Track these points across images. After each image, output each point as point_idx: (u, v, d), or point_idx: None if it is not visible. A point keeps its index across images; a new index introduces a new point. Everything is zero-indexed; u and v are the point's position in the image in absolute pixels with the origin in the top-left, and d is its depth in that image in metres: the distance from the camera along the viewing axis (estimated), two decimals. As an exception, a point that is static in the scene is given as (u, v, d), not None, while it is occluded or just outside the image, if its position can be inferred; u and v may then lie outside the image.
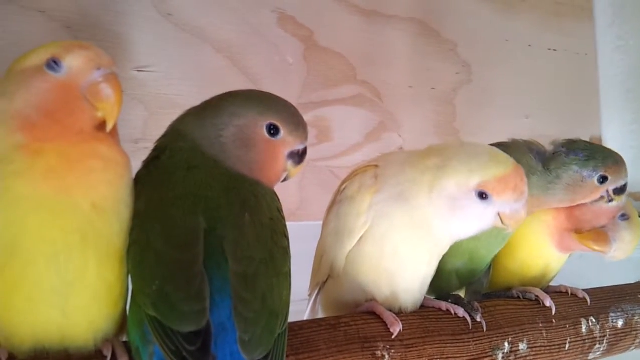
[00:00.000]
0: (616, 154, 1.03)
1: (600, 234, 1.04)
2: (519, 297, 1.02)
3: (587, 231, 1.04)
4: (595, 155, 1.01)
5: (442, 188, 0.80)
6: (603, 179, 1.00)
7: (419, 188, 0.82)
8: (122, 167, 0.67)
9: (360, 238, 0.85)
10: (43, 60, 0.65)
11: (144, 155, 0.75)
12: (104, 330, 0.65)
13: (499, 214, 0.81)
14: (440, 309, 0.89)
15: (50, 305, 0.61)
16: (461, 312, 0.88)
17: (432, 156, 0.83)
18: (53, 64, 0.65)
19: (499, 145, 0.99)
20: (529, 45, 1.85)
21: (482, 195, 0.79)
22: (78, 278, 0.62)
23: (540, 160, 1.02)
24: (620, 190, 1.02)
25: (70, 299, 0.62)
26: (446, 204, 0.80)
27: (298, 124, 0.76)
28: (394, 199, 0.83)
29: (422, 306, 0.90)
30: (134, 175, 0.71)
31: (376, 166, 0.88)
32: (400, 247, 0.84)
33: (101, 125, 0.67)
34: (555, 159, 1.02)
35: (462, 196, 0.80)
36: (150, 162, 0.74)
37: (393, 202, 0.83)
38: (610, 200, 1.02)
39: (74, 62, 0.65)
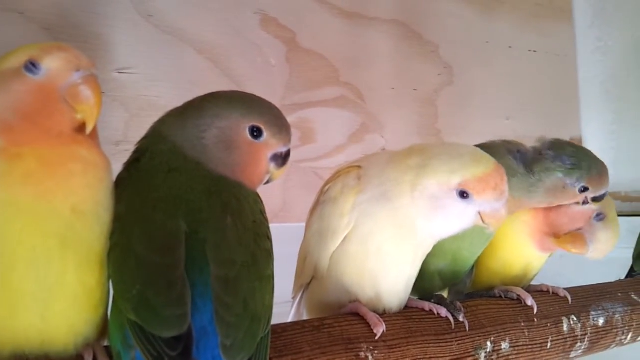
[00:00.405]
0: (601, 163, 1.03)
1: (577, 237, 1.05)
2: (501, 297, 1.02)
3: (564, 234, 1.05)
4: (581, 164, 1.00)
5: (423, 187, 0.81)
6: (584, 189, 1.00)
7: (401, 188, 0.82)
8: (102, 170, 0.66)
9: (344, 239, 0.85)
10: (21, 62, 0.64)
11: (124, 157, 0.75)
12: (84, 334, 0.64)
13: (479, 213, 0.81)
14: (423, 309, 0.89)
15: (30, 310, 0.61)
16: (444, 312, 0.89)
17: (413, 156, 0.84)
18: (31, 66, 0.64)
19: (477, 146, 0.99)
20: (510, 47, 1.87)
21: (463, 195, 0.80)
22: (58, 282, 0.61)
23: (522, 161, 1.01)
24: (598, 199, 1.02)
25: (50, 304, 0.61)
26: (428, 204, 0.81)
27: (281, 126, 0.76)
28: (377, 199, 0.83)
29: (406, 307, 0.90)
30: (114, 178, 0.70)
31: (359, 167, 0.88)
32: (384, 247, 0.84)
33: (81, 128, 0.66)
34: (540, 162, 1.01)
35: (444, 195, 0.80)
36: (131, 165, 0.73)
37: (376, 202, 0.83)
38: (585, 203, 1.02)
39: (52, 64, 0.65)
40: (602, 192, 1.02)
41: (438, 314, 0.88)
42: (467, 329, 0.89)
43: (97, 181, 0.65)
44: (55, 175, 0.62)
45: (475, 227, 0.84)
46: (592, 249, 1.05)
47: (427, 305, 0.90)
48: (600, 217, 1.06)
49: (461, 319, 0.89)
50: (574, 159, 1.00)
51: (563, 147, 1.03)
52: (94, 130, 0.68)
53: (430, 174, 0.81)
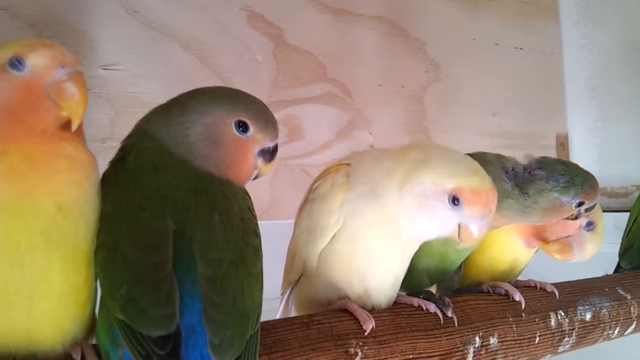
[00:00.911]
0: (591, 175, 1.03)
1: (564, 245, 1.07)
2: (489, 292, 1.03)
3: (552, 240, 1.06)
4: (575, 180, 0.99)
5: (416, 182, 0.80)
6: (580, 204, 1.00)
7: (391, 179, 0.81)
8: (88, 168, 0.66)
9: (333, 236, 0.85)
10: (5, 58, 0.64)
11: (110, 154, 0.74)
12: (72, 333, 0.64)
13: (459, 225, 0.81)
14: (412, 305, 0.89)
15: (16, 309, 0.60)
16: (432, 307, 0.89)
17: (414, 150, 0.83)
18: (16, 62, 0.64)
19: (470, 156, 1.00)
20: (496, 44, 1.88)
21: (454, 200, 0.79)
22: (43, 280, 0.60)
23: (516, 183, 0.99)
24: (590, 209, 1.03)
25: (36, 302, 0.60)
26: (416, 200, 0.80)
27: (268, 120, 0.75)
28: (365, 196, 0.83)
29: (395, 302, 0.90)
30: (100, 175, 0.69)
31: (348, 164, 0.88)
32: (372, 245, 0.84)
33: (66, 125, 0.65)
34: (534, 184, 0.99)
35: (434, 196, 0.79)
36: (116, 163, 0.72)
37: (364, 199, 0.83)
38: (578, 217, 1.02)
39: (37, 61, 0.64)
40: (595, 202, 1.02)
41: (427, 309, 0.89)
42: (456, 324, 0.89)
43: (83, 179, 0.65)
44: (40, 172, 0.61)
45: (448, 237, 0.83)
46: (577, 256, 1.07)
47: (415, 301, 0.90)
48: (590, 226, 1.07)
49: (450, 315, 0.89)
50: (567, 176, 1.00)
51: (552, 165, 1.02)
52: (80, 127, 0.67)
53: (429, 170, 0.80)
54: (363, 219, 0.83)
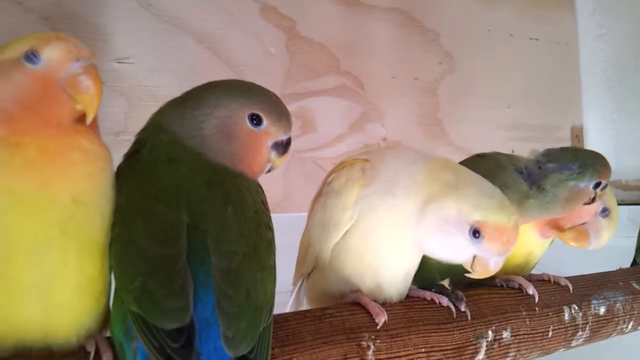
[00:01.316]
0: (598, 154, 1.03)
1: (580, 232, 1.06)
2: (502, 286, 1.02)
3: (567, 229, 1.06)
4: (586, 163, 1.00)
5: (441, 205, 0.79)
6: (597, 185, 1.00)
7: (415, 193, 0.81)
8: (102, 160, 0.66)
9: (346, 231, 0.85)
10: (21, 52, 0.64)
11: (125, 147, 0.74)
12: (86, 325, 0.64)
13: (475, 257, 0.81)
14: (424, 299, 0.89)
15: (31, 301, 0.60)
16: (445, 301, 0.89)
17: (446, 171, 0.82)
18: (31, 55, 0.64)
19: (481, 158, 1.00)
20: (511, 35, 1.86)
21: (475, 233, 0.78)
22: (58, 272, 0.61)
23: (532, 181, 0.99)
24: (605, 187, 1.03)
25: (51, 294, 0.61)
26: (437, 221, 0.80)
27: (281, 113, 0.75)
28: (381, 193, 0.83)
29: (407, 296, 0.90)
30: (115, 168, 0.70)
31: (365, 160, 0.87)
32: (383, 243, 0.83)
33: (81, 118, 0.66)
34: (549, 178, 0.99)
35: (456, 223, 0.79)
36: (131, 156, 0.73)
37: (379, 196, 0.83)
38: (594, 200, 1.02)
39: (52, 54, 0.64)
40: (608, 179, 1.02)
41: (439, 303, 0.88)
42: (469, 318, 0.89)
43: (98, 171, 0.65)
44: (55, 164, 0.62)
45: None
46: (594, 243, 1.06)
47: (428, 295, 0.89)
48: (605, 213, 1.07)
49: (463, 309, 0.89)
50: (578, 161, 1.00)
51: (560, 155, 1.02)
52: (94, 120, 0.68)
53: (457, 198, 0.79)
54: (377, 216, 0.83)
